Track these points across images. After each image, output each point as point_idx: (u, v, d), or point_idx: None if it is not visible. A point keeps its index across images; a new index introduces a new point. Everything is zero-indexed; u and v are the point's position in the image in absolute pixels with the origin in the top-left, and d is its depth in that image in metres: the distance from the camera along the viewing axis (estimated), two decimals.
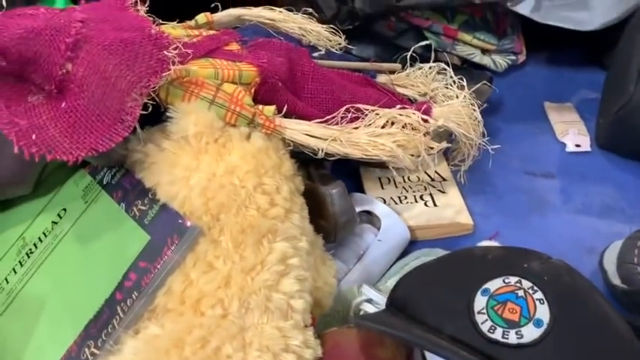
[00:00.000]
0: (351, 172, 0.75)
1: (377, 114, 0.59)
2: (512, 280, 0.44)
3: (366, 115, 0.59)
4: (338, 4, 0.90)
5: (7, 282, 0.52)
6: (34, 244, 0.53)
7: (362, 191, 0.72)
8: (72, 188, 0.55)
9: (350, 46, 0.75)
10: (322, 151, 0.54)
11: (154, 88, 0.47)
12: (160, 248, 0.45)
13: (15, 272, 0.52)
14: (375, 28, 0.95)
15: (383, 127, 0.59)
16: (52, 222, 0.54)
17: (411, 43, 0.93)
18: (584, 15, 0.83)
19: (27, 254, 0.53)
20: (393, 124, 0.60)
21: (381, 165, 0.64)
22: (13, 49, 0.44)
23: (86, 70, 0.46)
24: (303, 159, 0.56)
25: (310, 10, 0.74)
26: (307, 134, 0.54)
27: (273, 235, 0.46)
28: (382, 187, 0.73)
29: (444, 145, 0.64)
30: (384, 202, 0.70)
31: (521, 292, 0.43)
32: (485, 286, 0.44)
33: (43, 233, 0.53)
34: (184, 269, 0.44)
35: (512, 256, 0.47)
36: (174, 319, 0.42)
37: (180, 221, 0.45)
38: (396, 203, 0.71)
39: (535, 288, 0.43)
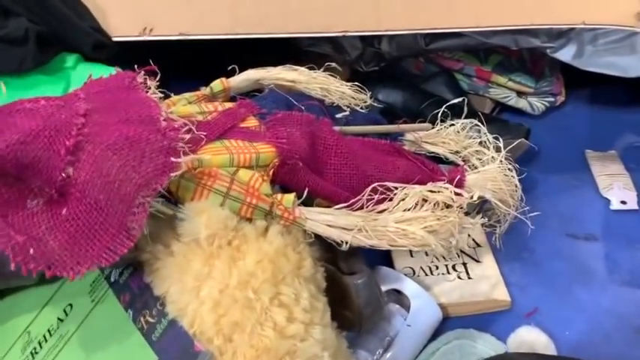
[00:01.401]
0: None
1: (406, 194, 0.54)
2: None
3: (395, 193, 0.54)
4: (363, 45, 0.85)
5: None
6: (39, 343, 0.50)
7: (389, 259, 0.67)
8: (78, 281, 0.51)
9: (377, 99, 0.71)
10: (346, 243, 0.50)
11: (161, 188, 0.43)
12: None
13: None
14: (402, 69, 0.90)
15: (409, 209, 0.54)
16: (58, 319, 0.50)
17: (441, 87, 0.88)
18: (630, 60, 0.76)
19: (32, 354, 0.50)
20: (425, 200, 0.55)
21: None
22: (9, 157, 0.41)
23: (88, 174, 0.42)
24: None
25: (333, 65, 0.69)
26: (330, 225, 0.50)
27: (292, 358, 0.41)
28: (411, 255, 0.68)
29: (480, 221, 0.59)
30: (414, 272, 0.66)
31: None
32: None
33: (49, 331, 0.50)
34: None
35: None
36: None
37: (189, 344, 0.41)
38: (427, 274, 0.66)
39: None
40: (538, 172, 0.80)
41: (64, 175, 0.42)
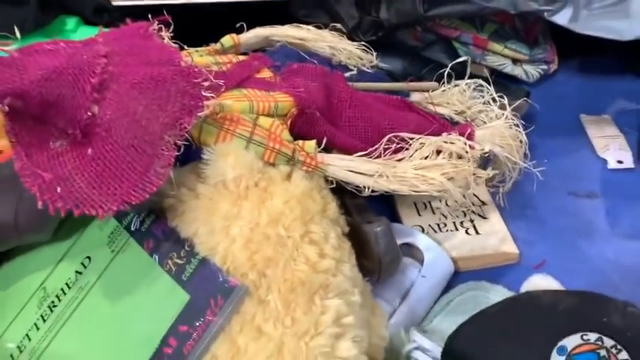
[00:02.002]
0: (384, 197, 0.70)
1: (421, 143, 0.55)
2: (592, 337, 0.40)
3: (410, 144, 0.55)
4: (360, 14, 0.85)
5: (30, 339, 0.48)
6: (57, 297, 0.49)
7: (396, 218, 0.68)
8: (95, 233, 0.50)
9: (380, 63, 0.71)
10: (368, 188, 0.50)
11: (188, 128, 0.43)
12: (202, 310, 0.40)
13: (37, 328, 0.48)
14: (399, 39, 0.91)
15: (426, 157, 0.55)
16: (76, 271, 0.49)
17: (440, 55, 0.89)
18: (624, 24, 0.78)
19: (50, 308, 0.49)
20: (438, 152, 0.56)
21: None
22: (34, 93, 0.40)
23: (114, 112, 0.41)
24: (338, 188, 0.52)
25: (339, 26, 0.69)
26: (351, 170, 0.50)
27: (325, 292, 0.41)
28: (419, 214, 0.68)
29: (491, 172, 0.60)
30: (423, 230, 0.66)
31: (603, 352, 0.39)
32: (561, 343, 0.40)
33: (67, 284, 0.49)
34: (230, 334, 0.40)
35: (588, 307, 0.43)
36: None
37: (223, 279, 0.41)
38: (435, 232, 0.67)
39: (619, 347, 0.39)
40: (536, 136, 0.81)
41: (89, 113, 0.41)
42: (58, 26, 0.66)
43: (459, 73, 0.71)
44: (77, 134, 0.42)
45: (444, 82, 0.70)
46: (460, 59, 0.70)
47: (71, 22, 0.67)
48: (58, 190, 0.39)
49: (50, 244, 0.52)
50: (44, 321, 0.48)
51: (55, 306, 0.48)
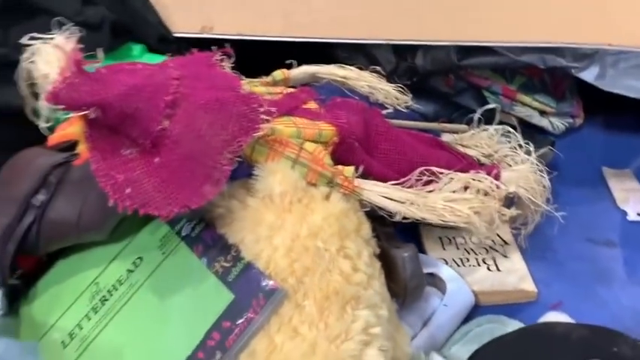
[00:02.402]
0: (410, 229, 0.74)
1: (451, 178, 0.59)
2: None
3: (440, 178, 0.59)
4: (397, 59, 0.91)
5: (81, 328, 0.52)
6: (109, 292, 0.53)
7: (422, 250, 0.72)
8: (148, 237, 0.55)
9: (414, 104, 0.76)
10: (400, 214, 0.54)
11: (244, 147, 0.48)
12: (245, 308, 0.44)
13: (89, 319, 0.52)
14: (432, 85, 0.97)
15: (455, 191, 0.59)
16: (127, 270, 0.54)
17: (470, 101, 0.94)
18: None
19: (101, 301, 0.53)
20: (466, 188, 0.60)
21: (439, 225, 0.63)
22: (115, 105, 0.46)
23: (182, 127, 0.47)
24: (368, 215, 0.56)
25: (378, 68, 0.75)
26: (385, 196, 0.54)
27: (357, 303, 0.45)
28: (444, 248, 0.72)
29: (514, 211, 0.64)
30: (446, 263, 0.69)
31: None
32: None
33: (118, 281, 0.53)
34: (268, 332, 0.44)
35: (599, 338, 0.46)
36: None
37: (265, 282, 0.45)
38: (458, 265, 0.70)
39: None
40: (559, 183, 0.85)
41: (160, 127, 0.47)
42: (125, 52, 0.73)
43: (488, 119, 0.76)
44: (147, 144, 0.47)
45: (473, 126, 0.75)
46: (490, 106, 0.75)
47: (137, 48, 0.74)
48: (128, 190, 0.45)
49: (105, 245, 0.57)
50: (95, 313, 0.53)
51: (106, 300, 0.53)
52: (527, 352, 0.47)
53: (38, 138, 0.59)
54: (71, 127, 0.53)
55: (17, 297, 0.57)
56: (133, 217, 0.57)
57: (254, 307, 0.44)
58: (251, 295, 0.45)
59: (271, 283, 0.45)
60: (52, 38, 0.51)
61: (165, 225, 0.55)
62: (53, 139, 0.56)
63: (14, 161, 0.57)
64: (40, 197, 0.55)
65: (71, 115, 0.48)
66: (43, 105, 0.45)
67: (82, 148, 0.50)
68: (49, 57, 0.48)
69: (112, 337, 0.50)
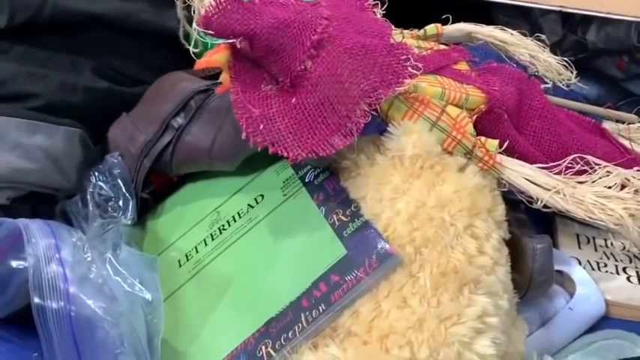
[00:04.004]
0: (545, 220, 0.68)
1: (608, 171, 0.52)
2: None
3: (595, 169, 0.52)
4: (565, 31, 0.82)
5: (197, 251, 0.54)
6: (228, 222, 0.54)
7: (554, 245, 0.65)
8: (272, 176, 0.55)
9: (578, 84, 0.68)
10: (541, 201, 0.49)
11: (383, 100, 0.45)
12: (356, 267, 0.43)
13: (205, 244, 0.54)
14: (599, 64, 0.86)
15: (610, 187, 0.52)
16: (248, 205, 0.54)
17: None
18: None
19: (219, 230, 0.54)
20: (623, 186, 0.52)
21: (584, 221, 0.56)
22: (262, 37, 0.45)
23: (324, 70, 0.45)
24: (504, 198, 0.51)
25: (543, 37, 0.67)
26: (528, 179, 0.49)
27: (476, 286, 0.42)
28: (579, 247, 0.65)
29: None
30: (579, 263, 0.63)
31: None
32: None
33: (238, 213, 0.54)
34: (376, 296, 0.42)
35: None
36: (357, 347, 0.40)
37: (382, 245, 0.43)
38: (593, 269, 0.63)
39: None
40: None
41: (302, 66, 0.45)
42: None
43: None
44: (287, 83, 0.46)
45: None
46: None
47: None
48: (261, 127, 0.44)
49: (232, 176, 0.58)
50: (212, 239, 0.54)
51: (224, 229, 0.54)
52: None
53: (187, 62, 0.61)
54: (218, 55, 0.53)
55: (146, 210, 0.61)
56: (262, 154, 0.57)
57: (366, 267, 0.42)
58: (364, 254, 0.43)
59: (387, 246, 0.42)
60: None
61: (290, 168, 0.54)
62: (200, 63, 0.57)
63: (160, 82, 0.60)
64: (180, 120, 0.56)
65: (219, 42, 0.48)
66: (195, 29, 0.45)
67: (224, 77, 0.51)
68: None
69: (223, 266, 0.51)
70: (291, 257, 0.47)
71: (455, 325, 0.40)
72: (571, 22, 0.81)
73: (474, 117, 0.52)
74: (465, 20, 0.67)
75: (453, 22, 0.65)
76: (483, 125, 0.53)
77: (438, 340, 0.39)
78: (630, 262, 0.64)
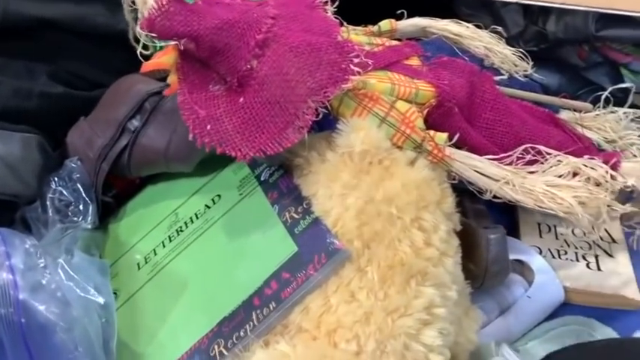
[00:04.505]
0: (506, 210, 0.68)
1: (559, 160, 0.53)
2: None
3: (546, 158, 0.53)
4: (526, 22, 0.82)
5: (156, 253, 0.54)
6: (185, 223, 0.55)
7: (516, 234, 0.66)
8: (230, 176, 0.55)
9: (535, 74, 0.69)
10: (491, 192, 0.49)
11: (331, 97, 0.46)
12: (306, 263, 0.43)
13: (164, 246, 0.54)
14: (561, 54, 0.87)
15: (561, 176, 0.53)
16: (206, 205, 0.55)
17: (602, 78, 0.83)
18: None
19: (177, 231, 0.55)
20: (575, 174, 0.53)
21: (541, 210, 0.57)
22: (206, 38, 0.45)
23: (270, 69, 0.45)
24: (460, 188, 0.52)
25: (499, 28, 0.68)
26: (477, 171, 0.50)
27: (423, 278, 0.42)
28: (540, 235, 0.66)
29: (629, 208, 0.56)
30: (540, 252, 0.63)
31: None
32: None
33: (195, 214, 0.55)
34: (325, 292, 0.42)
35: None
36: (306, 343, 0.40)
37: (330, 241, 0.43)
38: (553, 257, 0.64)
39: None
40: None
41: (248, 66, 0.45)
42: None
43: (618, 100, 0.67)
44: (234, 82, 0.46)
45: (599, 106, 0.66)
46: (623, 85, 0.66)
47: None
48: (208, 127, 0.44)
49: (190, 178, 0.58)
50: (170, 241, 0.54)
51: (182, 231, 0.54)
52: None
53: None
54: (165, 57, 0.53)
55: (109, 214, 0.61)
56: (220, 154, 0.58)
57: (315, 263, 0.43)
58: (314, 251, 0.43)
59: (336, 242, 0.43)
60: None
61: (246, 167, 0.54)
62: (147, 66, 0.57)
63: (116, 85, 0.60)
64: (135, 122, 0.56)
65: (168, 43, 0.48)
66: (139, 32, 0.45)
67: (172, 79, 0.51)
68: None
69: (180, 267, 0.52)
70: (245, 256, 0.48)
71: (402, 317, 0.40)
72: (531, 13, 0.82)
73: (425, 111, 0.53)
74: (429, 15, 0.68)
75: (420, 17, 0.66)
76: (434, 119, 0.53)
77: (384, 333, 0.40)
78: (590, 248, 0.65)
